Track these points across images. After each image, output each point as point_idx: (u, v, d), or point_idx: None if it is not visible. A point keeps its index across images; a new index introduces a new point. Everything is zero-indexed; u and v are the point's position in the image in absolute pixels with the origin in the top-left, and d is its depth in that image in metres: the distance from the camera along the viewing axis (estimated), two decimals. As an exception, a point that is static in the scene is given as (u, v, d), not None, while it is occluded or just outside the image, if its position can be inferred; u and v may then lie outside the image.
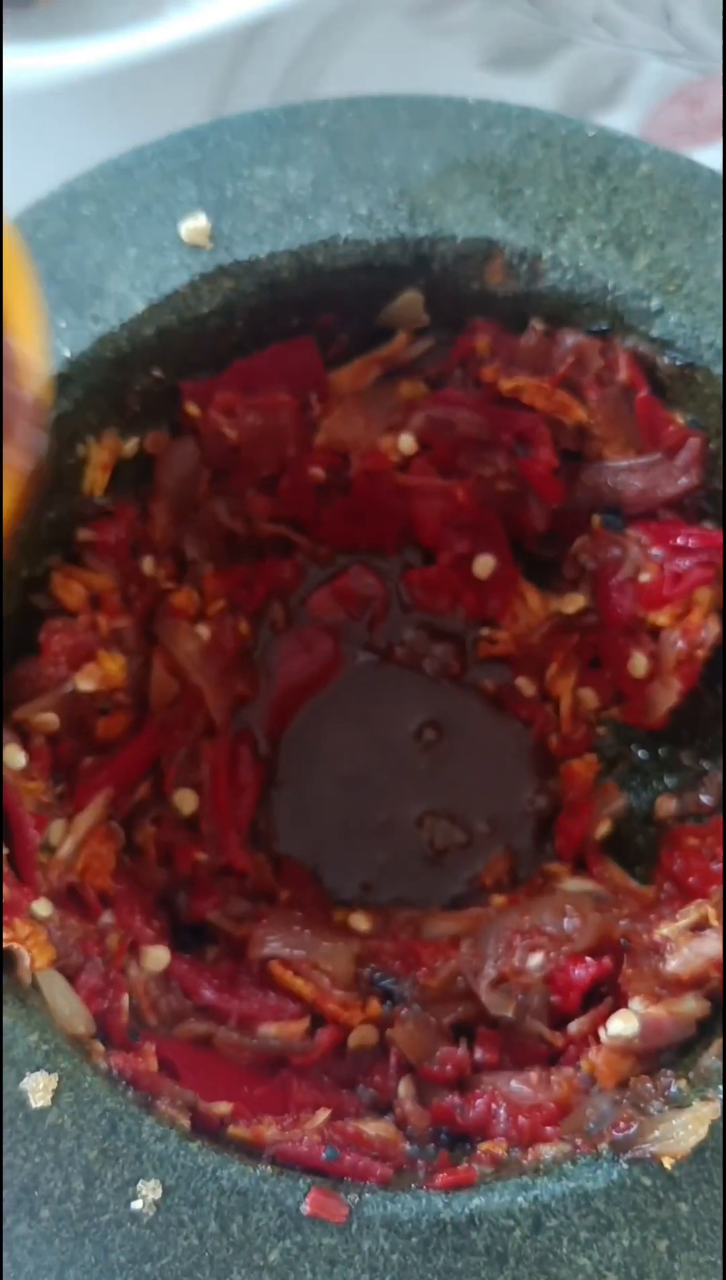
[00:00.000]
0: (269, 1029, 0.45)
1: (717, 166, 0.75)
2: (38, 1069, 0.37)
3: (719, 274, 0.46)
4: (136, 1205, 0.36)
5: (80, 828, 0.47)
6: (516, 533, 0.54)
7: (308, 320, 0.48)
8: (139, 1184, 0.36)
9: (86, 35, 0.75)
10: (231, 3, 0.72)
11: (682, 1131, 0.36)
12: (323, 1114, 0.40)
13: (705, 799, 0.51)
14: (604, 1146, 0.37)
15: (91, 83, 0.68)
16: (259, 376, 0.49)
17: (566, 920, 0.47)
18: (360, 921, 0.51)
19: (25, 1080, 0.37)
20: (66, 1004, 0.40)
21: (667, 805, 0.52)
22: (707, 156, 0.76)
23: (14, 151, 0.74)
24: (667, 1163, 0.36)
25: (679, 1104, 0.38)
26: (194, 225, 0.46)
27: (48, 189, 0.65)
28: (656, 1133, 0.37)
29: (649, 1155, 0.36)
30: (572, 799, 0.54)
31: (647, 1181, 0.36)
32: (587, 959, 0.45)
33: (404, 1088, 0.45)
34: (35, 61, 0.70)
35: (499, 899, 0.52)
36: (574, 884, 0.51)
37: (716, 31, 0.77)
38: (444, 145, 0.47)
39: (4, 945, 0.39)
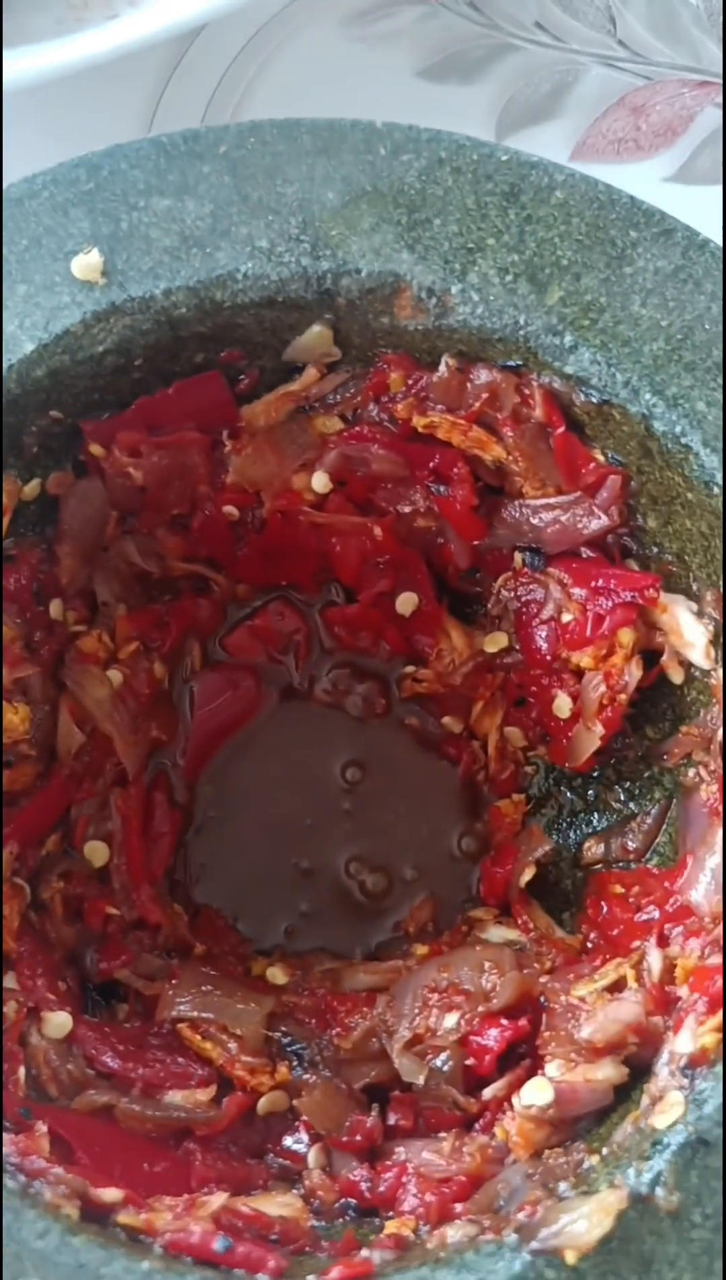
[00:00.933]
0: (175, 1097, 0.44)
1: (662, 176, 0.74)
2: None
3: (636, 306, 0.44)
4: (14, 1308, 0.34)
5: (-18, 886, 0.45)
6: (439, 569, 0.52)
7: (212, 356, 0.47)
8: (17, 1285, 0.34)
9: (14, 46, 0.73)
10: (163, 11, 0.71)
11: (587, 1223, 0.35)
12: (220, 1197, 0.38)
13: (630, 844, 0.49)
14: (508, 1233, 0.36)
15: (21, 94, 0.66)
16: (165, 414, 0.47)
17: (484, 977, 0.46)
18: (277, 975, 0.49)
19: None
20: (-48, 1085, 0.39)
21: (595, 849, 0.50)
22: (652, 166, 0.75)
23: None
24: (571, 1256, 0.35)
25: (588, 1186, 0.37)
26: (86, 261, 0.44)
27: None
28: (559, 1222, 0.35)
29: (552, 1248, 0.35)
30: (499, 841, 0.52)
31: (551, 1274, 0.35)
32: (503, 1020, 0.44)
33: (313, 1157, 0.43)
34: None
35: (421, 949, 0.50)
36: (496, 932, 0.49)
37: (662, 38, 0.76)
38: (349, 173, 0.46)
39: None
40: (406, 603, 0.52)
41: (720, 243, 0.46)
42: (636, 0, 0.76)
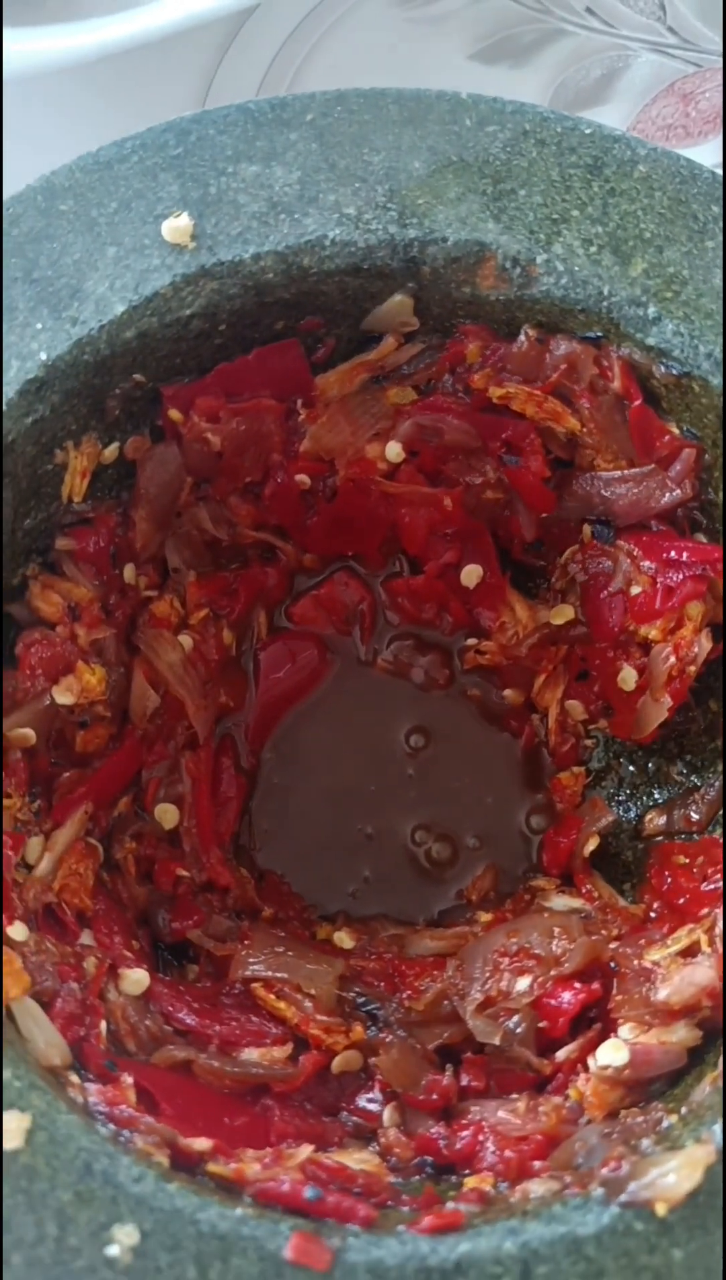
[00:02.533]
0: (251, 1054, 0.44)
1: (710, 162, 0.75)
2: (10, 1107, 0.36)
3: (718, 281, 0.45)
4: (112, 1251, 0.35)
5: (58, 845, 0.46)
6: (504, 541, 0.52)
7: (293, 323, 0.47)
8: (114, 1228, 0.35)
9: (73, 20, 0.74)
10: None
11: (676, 1176, 0.35)
12: (306, 1149, 0.39)
13: (694, 815, 0.50)
14: (594, 1187, 0.36)
15: (78, 69, 0.67)
16: (243, 381, 0.48)
17: (554, 942, 0.46)
18: (344, 939, 0.50)
19: (-2, 1118, 0.36)
20: (42, 1035, 0.39)
21: (656, 821, 0.51)
22: (700, 153, 0.75)
23: (17, 130, 0.72)
24: (661, 1208, 0.35)
25: (671, 1142, 0.37)
26: (176, 224, 0.44)
27: (34, 176, 0.64)
28: (649, 1175, 0.36)
29: (642, 1200, 0.35)
30: (560, 813, 0.53)
31: (640, 1227, 0.35)
32: (576, 983, 0.44)
33: (388, 1116, 0.44)
34: (21, 46, 0.68)
35: (485, 916, 0.50)
36: (560, 901, 0.50)
37: (712, 25, 0.76)
38: (435, 143, 0.46)
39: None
40: (471, 575, 0.53)
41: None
42: (686, -13, 0.76)
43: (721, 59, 0.76)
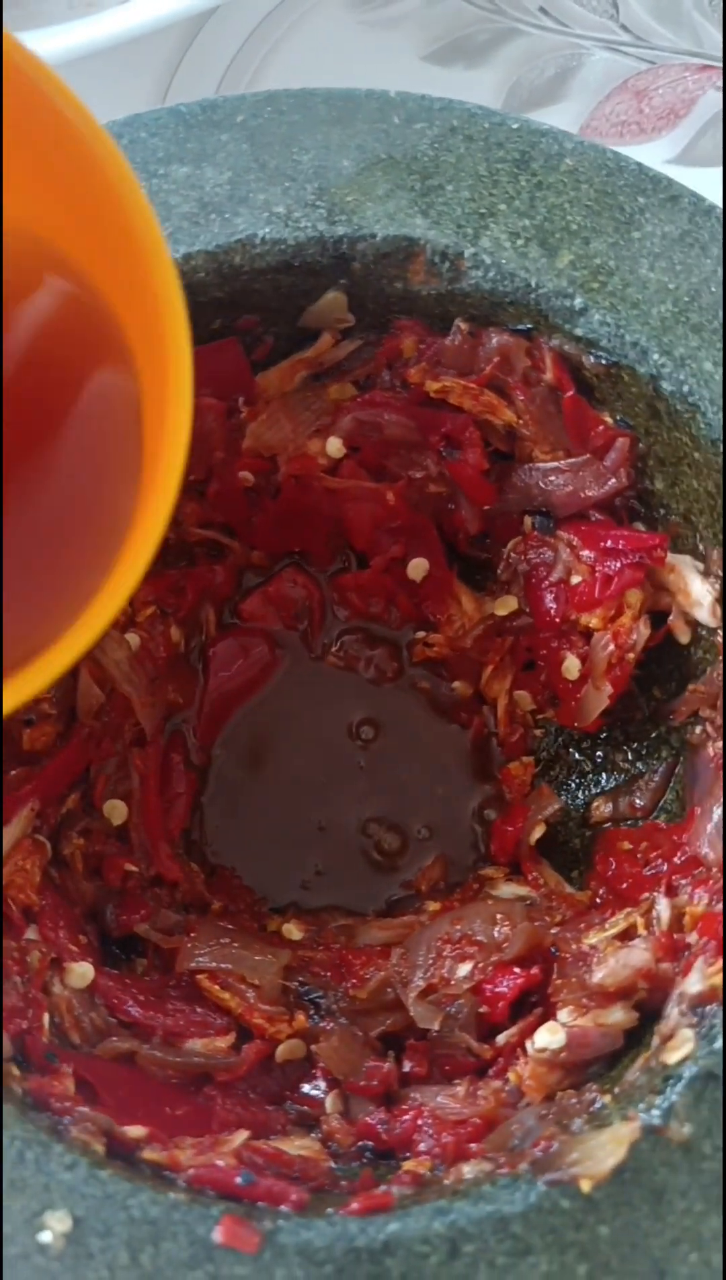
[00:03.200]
0: (195, 1044, 0.44)
1: (664, 158, 0.75)
2: (-56, 1097, 0.36)
3: (644, 270, 0.45)
4: (45, 1237, 0.35)
5: (5, 842, 0.46)
6: (449, 535, 0.53)
7: (230, 322, 0.48)
8: (46, 1215, 0.35)
9: (27, 29, 0.74)
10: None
11: (601, 1152, 0.36)
12: (241, 1135, 0.39)
13: (638, 801, 0.50)
14: (523, 1166, 0.37)
15: None
16: (182, 380, 0.48)
17: (497, 929, 0.46)
18: (293, 931, 0.50)
19: (-69, 1109, 0.36)
20: (-20, 1027, 0.40)
21: (603, 808, 0.51)
22: (654, 149, 0.76)
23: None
24: (585, 1185, 0.36)
25: (601, 1122, 0.38)
26: (107, 226, 0.45)
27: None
28: (576, 1153, 0.36)
29: (567, 1178, 0.36)
30: (509, 802, 0.53)
31: (566, 1204, 0.36)
32: (516, 969, 0.45)
33: (331, 1102, 0.44)
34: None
35: (433, 905, 0.51)
36: (508, 889, 0.50)
37: (664, 22, 0.77)
38: (364, 141, 0.46)
39: None
40: (417, 568, 0.53)
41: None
42: (639, -16, 0.77)
43: (673, 56, 0.76)
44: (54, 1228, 0.35)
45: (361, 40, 0.77)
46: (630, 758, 0.52)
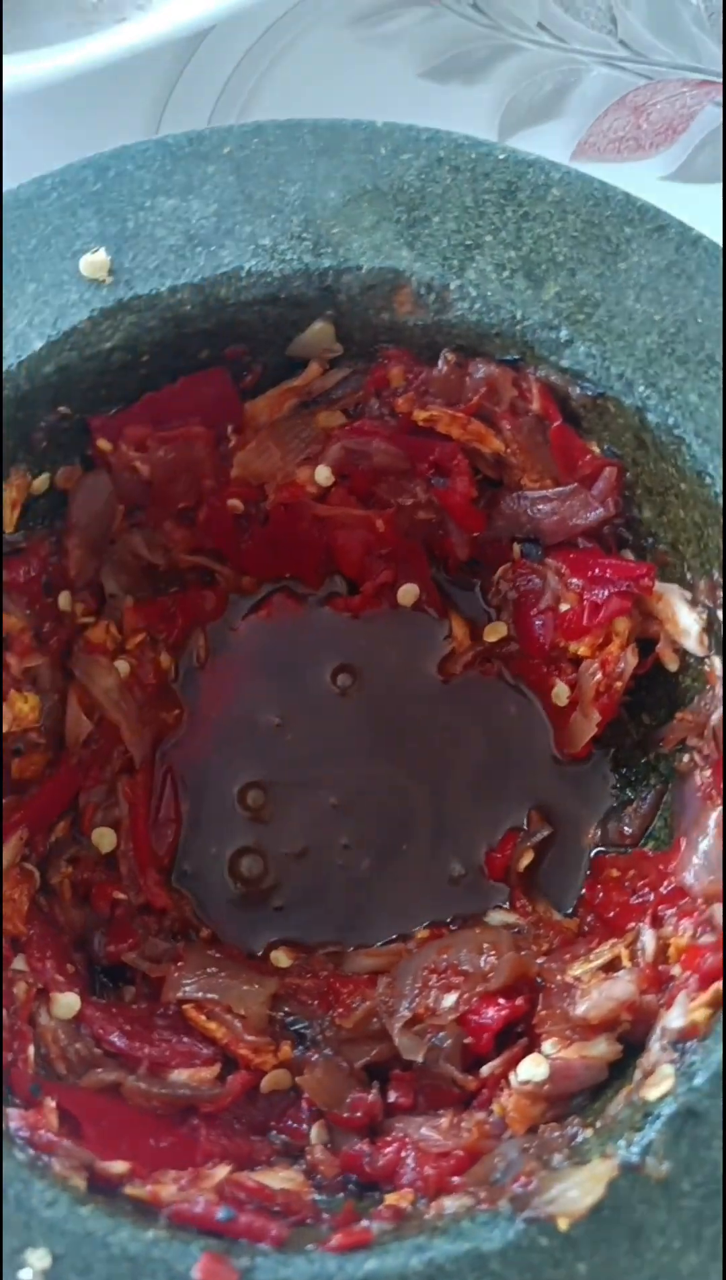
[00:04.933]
0: (180, 1075, 0.45)
1: (661, 174, 0.75)
2: None
3: (630, 301, 0.45)
4: (24, 1275, 0.35)
5: (-2, 869, 0.47)
6: (440, 561, 0.53)
7: (217, 352, 0.48)
8: (27, 1252, 0.36)
9: (24, 50, 0.75)
10: (171, 14, 0.72)
11: (578, 1190, 0.36)
12: (223, 1169, 0.40)
13: (626, 829, 0.50)
14: (503, 1203, 0.37)
15: (33, 96, 0.67)
16: (171, 409, 0.48)
17: (483, 958, 0.47)
18: (281, 958, 0.50)
19: None
20: (-36, 1061, 0.40)
21: (592, 834, 0.51)
22: (651, 165, 0.76)
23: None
24: (564, 1223, 0.36)
25: (581, 1157, 0.38)
26: (94, 260, 0.45)
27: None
28: (553, 1190, 0.36)
29: (545, 1215, 0.36)
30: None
31: (544, 1241, 0.36)
32: (501, 999, 0.45)
33: (315, 1134, 0.44)
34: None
35: (422, 933, 0.51)
36: (496, 916, 0.50)
37: (662, 37, 0.77)
38: (350, 172, 0.47)
39: None
40: (407, 594, 0.53)
41: (718, 240, 0.47)
42: (637, 0, 0.77)
43: (671, 71, 0.76)
44: (34, 1265, 0.35)
45: (359, 57, 0.77)
46: (618, 785, 0.52)
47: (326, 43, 0.77)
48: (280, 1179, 0.41)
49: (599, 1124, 0.40)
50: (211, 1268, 0.35)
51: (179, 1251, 0.36)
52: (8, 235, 0.46)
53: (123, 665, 0.51)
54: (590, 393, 0.45)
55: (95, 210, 0.46)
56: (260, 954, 0.50)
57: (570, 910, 0.50)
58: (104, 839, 0.50)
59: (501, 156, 0.47)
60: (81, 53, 0.69)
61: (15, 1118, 0.39)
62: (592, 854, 0.51)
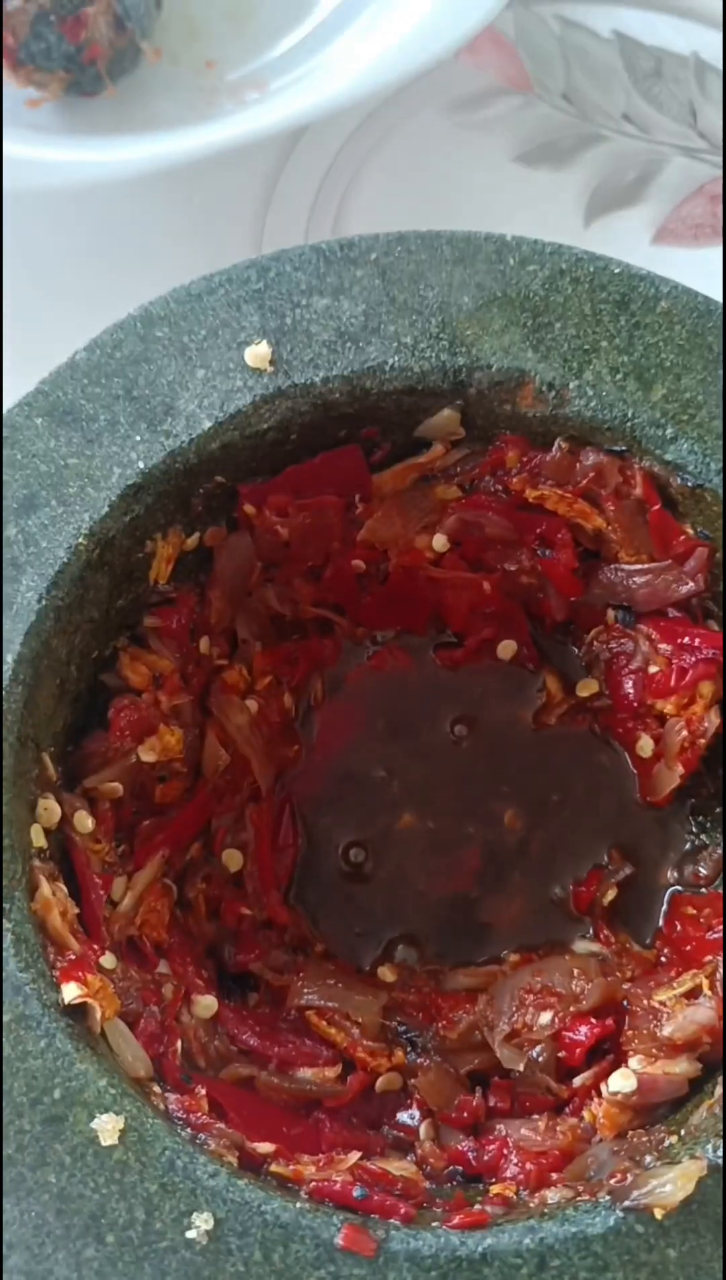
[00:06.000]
0: (306, 1073, 0.50)
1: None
2: (106, 1111, 0.42)
3: (729, 404, 0.51)
4: (191, 1234, 0.41)
5: (139, 884, 0.52)
6: (537, 620, 0.59)
7: (354, 432, 0.54)
8: (193, 1215, 0.41)
9: (146, 130, 0.80)
10: (287, 103, 0.77)
11: (672, 1186, 0.41)
12: (354, 1155, 0.45)
13: (702, 871, 0.56)
14: (602, 1194, 0.42)
15: (149, 175, 0.72)
16: (309, 481, 0.54)
17: (574, 982, 0.52)
18: (387, 974, 0.56)
19: (96, 1121, 0.42)
20: (129, 1050, 0.46)
21: (670, 875, 0.57)
22: (727, 250, 0.81)
23: (82, 237, 0.79)
24: (659, 1213, 0.41)
25: (670, 1159, 0.43)
26: (257, 351, 0.51)
27: (99, 283, 0.71)
28: (649, 1186, 0.42)
29: (642, 1206, 0.41)
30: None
31: (640, 1229, 0.41)
32: (592, 1019, 0.51)
33: (424, 1130, 0.50)
34: (97, 155, 0.75)
35: (513, 957, 0.56)
36: (582, 945, 0.56)
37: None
38: (483, 280, 0.53)
39: (78, 1000, 0.44)
40: (506, 649, 0.59)
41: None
42: (716, 94, 0.83)
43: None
44: (200, 1226, 0.41)
45: (455, 142, 0.83)
46: (694, 830, 0.57)
47: (427, 126, 0.83)
48: (397, 1168, 0.47)
49: (683, 1132, 0.45)
50: (354, 1236, 0.41)
51: (323, 1222, 0.41)
52: (180, 325, 0.52)
53: (252, 704, 0.57)
54: (690, 484, 0.51)
55: (257, 306, 0.52)
56: (368, 969, 0.56)
57: (648, 942, 0.56)
58: (232, 859, 0.56)
59: (616, 271, 0.53)
60: (187, 142, 0.73)
61: (173, 1101, 0.45)
62: (670, 893, 0.56)
